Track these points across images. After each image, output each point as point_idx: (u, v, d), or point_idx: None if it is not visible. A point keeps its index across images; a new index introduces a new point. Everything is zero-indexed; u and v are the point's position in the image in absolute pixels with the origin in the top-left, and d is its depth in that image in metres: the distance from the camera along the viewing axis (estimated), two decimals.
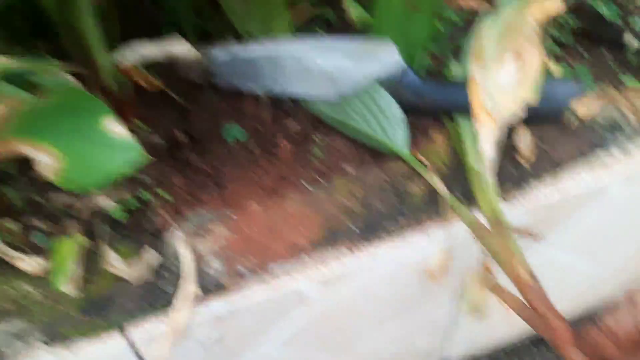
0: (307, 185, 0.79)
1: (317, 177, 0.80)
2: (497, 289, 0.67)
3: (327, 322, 0.78)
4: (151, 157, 0.56)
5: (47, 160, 0.49)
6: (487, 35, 0.71)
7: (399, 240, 0.72)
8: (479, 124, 0.68)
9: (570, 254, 0.90)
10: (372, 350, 0.90)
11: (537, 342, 1.23)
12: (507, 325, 1.08)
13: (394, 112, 0.74)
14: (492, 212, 0.67)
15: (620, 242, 0.94)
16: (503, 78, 0.69)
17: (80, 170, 0.49)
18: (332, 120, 0.80)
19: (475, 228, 0.67)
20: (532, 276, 0.62)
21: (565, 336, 0.57)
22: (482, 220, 0.67)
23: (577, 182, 0.77)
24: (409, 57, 0.80)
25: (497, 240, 0.64)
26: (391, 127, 0.74)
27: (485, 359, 1.20)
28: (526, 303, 0.61)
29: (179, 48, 0.64)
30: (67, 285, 0.64)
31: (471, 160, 0.72)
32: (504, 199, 0.76)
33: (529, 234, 0.63)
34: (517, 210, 0.75)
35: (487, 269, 0.72)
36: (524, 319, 0.61)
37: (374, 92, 0.76)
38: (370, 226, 0.73)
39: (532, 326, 0.60)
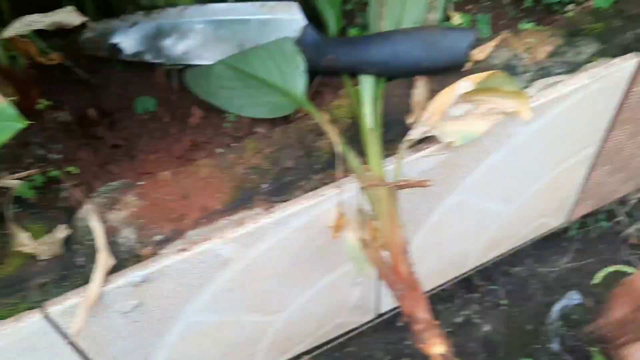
0: (219, 150, 0.80)
1: (228, 141, 0.81)
2: (363, 242, 0.69)
3: (250, 281, 0.79)
4: (30, 122, 0.55)
5: None
6: None
7: (311, 196, 0.74)
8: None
9: (481, 198, 0.95)
10: (303, 308, 0.92)
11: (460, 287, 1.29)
12: (436, 272, 1.13)
13: (296, 61, 0.76)
14: (377, 167, 0.69)
15: (527, 180, 0.98)
16: None
17: None
18: (238, 74, 0.81)
19: (362, 180, 0.69)
20: (403, 238, 0.64)
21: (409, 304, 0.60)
22: (370, 176, 0.69)
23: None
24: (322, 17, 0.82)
25: (380, 197, 0.67)
26: (292, 75, 0.76)
27: None
28: (390, 265, 0.64)
29: (68, 17, 0.63)
30: None
31: (362, 116, 0.74)
32: (395, 153, 0.78)
33: (417, 184, 0.65)
34: (415, 164, 0.78)
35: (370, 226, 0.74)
36: (383, 280, 0.63)
37: (280, 43, 0.77)
38: (282, 184, 0.74)
39: (391, 290, 0.62)
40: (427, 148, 0.77)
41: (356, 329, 1.18)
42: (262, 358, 0.99)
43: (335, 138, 0.71)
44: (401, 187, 0.65)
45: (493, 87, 0.73)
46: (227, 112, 0.83)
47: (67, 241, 0.69)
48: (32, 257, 0.68)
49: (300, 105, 0.78)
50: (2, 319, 0.66)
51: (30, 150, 0.78)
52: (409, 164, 0.77)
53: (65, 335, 0.70)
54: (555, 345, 1.19)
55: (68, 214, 0.72)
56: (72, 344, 0.72)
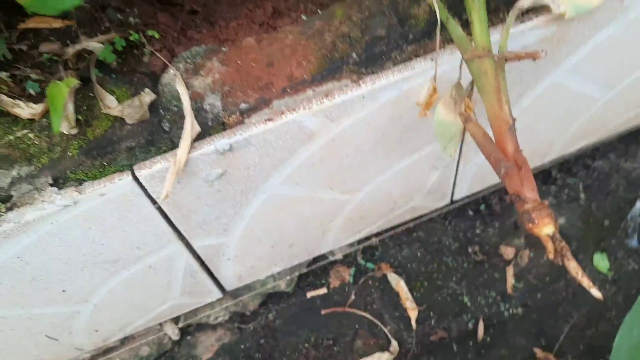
0: (304, 16, 0.74)
1: (314, 7, 0.75)
2: (465, 116, 0.63)
3: (332, 157, 0.77)
4: None
5: None
6: None
7: (403, 69, 0.69)
8: None
9: (580, 81, 0.87)
10: (380, 188, 0.91)
11: (538, 178, 1.24)
12: None
13: None
14: (484, 36, 0.62)
15: (632, 63, 0.89)
16: None
17: None
18: None
19: (465, 50, 0.62)
20: (510, 114, 0.59)
21: (516, 183, 0.55)
22: (476, 47, 0.63)
23: None
24: None
25: (485, 70, 0.60)
26: None
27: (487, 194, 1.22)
28: (493, 139, 0.59)
29: None
30: (65, 126, 0.63)
31: None
32: (500, 22, 0.71)
33: (528, 55, 0.59)
34: (518, 37, 0.71)
35: (464, 97, 0.68)
36: (484, 154, 0.58)
37: None
38: (373, 54, 0.69)
39: (491, 164, 0.57)
40: (534, 18, 0.70)
41: (426, 215, 1.17)
42: (334, 235, 1.00)
43: (434, 3, 0.64)
44: (510, 59, 0.59)
45: None
46: None
47: (152, 106, 0.68)
48: (119, 121, 0.68)
49: None
50: (94, 179, 0.67)
51: (107, 13, 0.75)
52: (512, 36, 0.70)
53: (152, 199, 0.71)
54: (634, 242, 1.15)
55: (151, 78, 0.70)
56: (159, 208, 0.73)
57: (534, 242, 1.19)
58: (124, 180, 0.66)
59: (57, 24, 0.72)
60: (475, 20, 0.62)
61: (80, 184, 0.66)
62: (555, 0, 0.67)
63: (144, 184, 0.68)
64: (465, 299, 1.14)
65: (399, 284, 1.16)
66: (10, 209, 0.65)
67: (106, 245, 0.74)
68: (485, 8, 0.64)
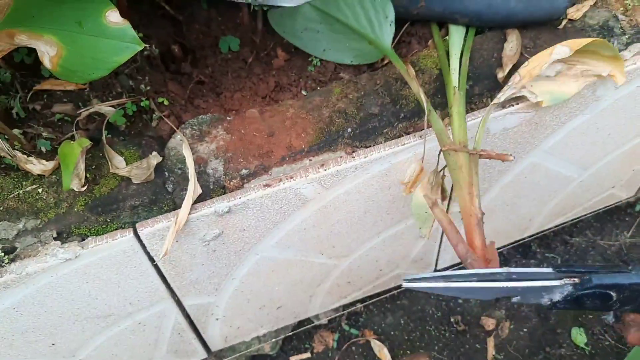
0: (304, 92, 0.81)
1: (313, 85, 0.81)
2: (431, 201, 0.68)
3: (324, 223, 0.81)
4: (146, 46, 0.57)
5: (48, 50, 0.50)
6: None
7: (394, 144, 0.74)
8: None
9: (557, 161, 0.93)
10: (367, 254, 0.94)
11: (517, 252, 1.29)
12: (497, 234, 1.13)
13: (386, 9, 0.75)
14: (460, 132, 0.69)
15: (606, 147, 0.96)
16: None
17: (81, 59, 0.50)
18: (324, 17, 0.80)
19: (443, 143, 0.68)
20: (479, 209, 0.64)
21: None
22: (452, 141, 0.69)
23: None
24: None
25: (459, 163, 0.66)
26: (380, 24, 0.75)
27: None
28: (463, 233, 0.63)
29: None
30: (75, 184, 0.67)
31: (450, 71, 0.73)
32: (480, 107, 0.77)
33: (498, 157, 0.64)
34: (499, 121, 0.77)
35: (440, 183, 0.73)
36: (451, 242, 0.63)
37: None
38: (366, 129, 0.75)
39: (457, 253, 0.62)
40: (513, 105, 0.76)
41: None
42: (321, 299, 1.03)
43: (420, 95, 0.70)
44: (483, 156, 0.65)
45: (590, 49, 0.71)
46: (311, 56, 0.83)
47: (157, 168, 0.72)
48: (125, 180, 0.71)
49: (386, 55, 0.77)
50: (97, 235, 0.70)
51: (120, 79, 0.80)
52: (493, 119, 0.77)
53: (150, 257, 0.74)
54: (610, 317, 1.19)
55: (158, 142, 0.75)
56: (156, 265, 0.76)
57: (514, 315, 1.22)
58: (125, 237, 0.69)
59: (71, 86, 0.78)
60: (455, 115, 0.69)
61: (83, 239, 0.69)
62: (533, 91, 0.74)
63: (145, 241, 0.71)
64: None
65: (382, 351, 1.17)
66: (13, 260, 0.67)
67: (100, 300, 0.76)
68: (464, 103, 0.71)
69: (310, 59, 0.83)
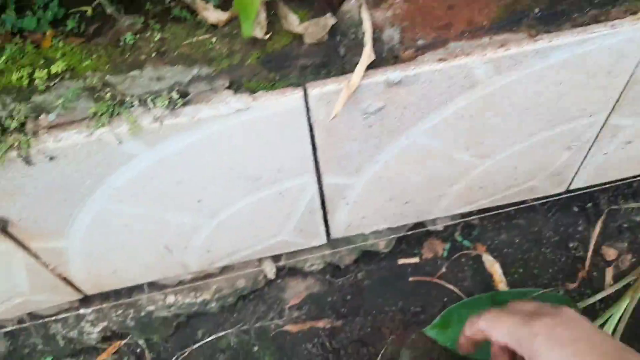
0: None
1: None
2: None
3: (483, 113, 0.77)
4: None
5: None
6: None
7: (582, 32, 0.69)
8: None
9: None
10: (510, 158, 0.91)
11: None
12: None
13: None
14: None
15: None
16: None
17: None
18: None
19: None
20: None
21: None
22: None
23: None
24: None
25: None
26: None
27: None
28: None
29: None
30: (257, 32, 0.66)
31: None
32: None
33: None
34: None
35: None
36: None
37: None
38: (554, 12, 0.69)
39: None
40: None
41: (528, 202, 1.16)
42: (448, 201, 1.01)
43: None
44: None
45: None
46: None
47: (332, 30, 0.70)
48: (297, 39, 0.70)
49: None
50: (267, 90, 0.69)
51: None
52: None
53: (310, 121, 0.73)
54: None
55: (330, 7, 0.72)
56: (312, 132, 0.75)
57: (638, 249, 1.16)
58: (295, 96, 0.69)
59: None
60: None
61: (254, 92, 0.69)
62: None
63: (311, 103, 0.70)
64: (560, 292, 1.13)
65: (493, 266, 1.16)
66: (187, 103, 0.68)
67: (255, 160, 0.77)
68: None
69: None
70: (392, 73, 0.68)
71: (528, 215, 1.20)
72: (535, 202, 1.18)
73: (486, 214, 1.17)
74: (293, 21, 0.69)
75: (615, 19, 0.69)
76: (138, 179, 0.75)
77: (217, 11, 0.70)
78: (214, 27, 0.71)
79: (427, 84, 0.71)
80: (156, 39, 0.68)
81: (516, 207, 1.17)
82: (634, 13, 0.70)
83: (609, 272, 1.13)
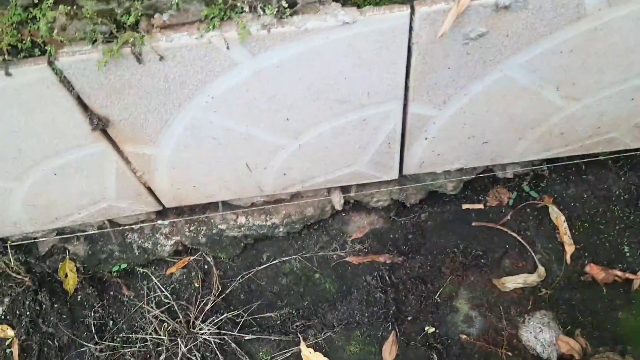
0: None
1: None
2: None
3: (585, 49, 0.77)
4: None
5: None
6: None
7: None
8: None
9: None
10: (598, 104, 0.89)
11: None
12: None
13: None
14: None
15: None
16: None
17: None
18: None
19: None
20: None
21: None
22: None
23: None
24: None
25: None
26: None
27: None
28: None
29: None
30: None
31: None
32: None
33: None
34: None
35: None
36: None
37: None
38: None
39: None
40: None
41: (600, 157, 1.14)
42: (526, 145, 1.00)
43: None
44: None
45: None
46: None
47: None
48: None
49: None
50: (375, 5, 0.70)
51: None
52: None
53: (410, 41, 0.74)
54: None
55: None
56: (408, 58, 0.76)
57: None
58: (401, 13, 0.69)
59: None
60: None
61: (361, 7, 0.70)
62: None
63: (416, 22, 0.70)
64: (626, 249, 1.12)
65: (559, 219, 1.15)
66: (295, 13, 0.70)
67: (347, 81, 0.78)
68: None
69: None
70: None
71: (599, 172, 1.19)
72: (607, 158, 1.16)
73: (557, 164, 1.16)
74: None
75: None
76: (235, 88, 0.77)
77: None
78: None
79: (534, 12, 0.70)
80: None
81: (587, 160, 1.16)
82: None
83: None
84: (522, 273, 1.12)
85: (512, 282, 1.09)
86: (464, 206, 1.19)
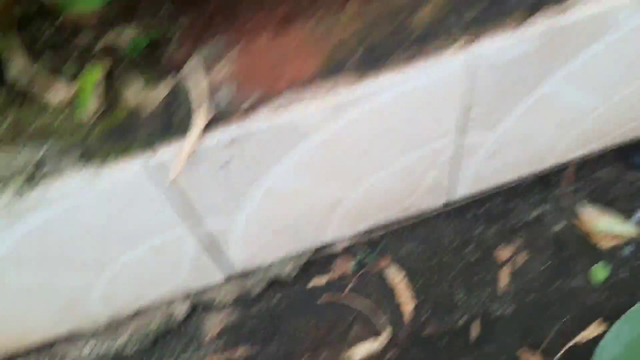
0: (313, 22, 0.80)
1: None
2: None
3: (333, 150, 0.83)
4: None
5: None
6: None
7: (404, 68, 0.74)
8: None
9: (575, 89, 0.91)
10: (379, 182, 0.96)
11: (538, 183, 1.28)
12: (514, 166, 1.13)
13: None
14: None
15: (626, 78, 0.93)
16: None
17: None
18: None
19: None
20: None
21: None
22: None
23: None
24: None
25: None
26: None
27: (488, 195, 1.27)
28: None
29: None
30: (91, 108, 0.70)
31: None
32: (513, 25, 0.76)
33: None
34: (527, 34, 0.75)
35: None
36: None
37: None
38: (376, 55, 0.75)
39: None
40: None
41: (427, 214, 1.22)
42: (336, 225, 1.06)
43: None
44: None
45: None
46: None
47: (170, 96, 0.74)
48: (139, 108, 0.74)
49: None
50: (113, 161, 0.74)
51: (138, 9, 0.81)
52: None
53: (160, 184, 0.78)
54: (629, 250, 1.19)
55: (169, 69, 0.77)
56: (168, 193, 0.80)
57: (530, 245, 1.23)
58: (138, 164, 0.73)
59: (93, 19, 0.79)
60: None
61: (100, 165, 0.73)
62: None
63: (154, 169, 0.74)
64: (460, 295, 1.19)
65: (394, 279, 1.21)
66: (37, 183, 0.72)
67: (121, 223, 0.81)
68: None
69: None
70: (229, 131, 0.73)
71: (429, 224, 1.27)
72: (440, 212, 1.24)
73: (390, 228, 1.23)
74: (133, 91, 0.74)
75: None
76: None
77: (58, 92, 0.74)
78: (60, 104, 0.75)
79: (265, 135, 0.76)
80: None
81: (418, 218, 1.23)
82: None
83: (504, 271, 1.20)
84: (368, 340, 1.16)
85: (358, 354, 1.13)
86: (309, 285, 1.24)
